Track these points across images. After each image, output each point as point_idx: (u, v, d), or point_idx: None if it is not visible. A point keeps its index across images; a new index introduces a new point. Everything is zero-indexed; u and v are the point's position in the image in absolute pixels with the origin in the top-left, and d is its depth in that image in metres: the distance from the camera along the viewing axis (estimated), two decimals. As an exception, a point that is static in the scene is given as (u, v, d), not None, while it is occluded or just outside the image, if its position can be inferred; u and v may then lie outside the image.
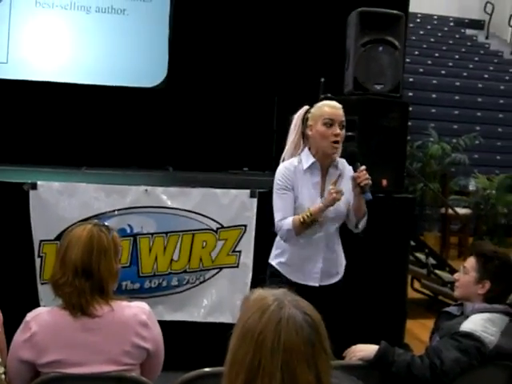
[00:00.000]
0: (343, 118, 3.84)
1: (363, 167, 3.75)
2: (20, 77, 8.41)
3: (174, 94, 8.43)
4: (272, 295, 1.71)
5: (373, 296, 5.57)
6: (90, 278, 2.81)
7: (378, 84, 5.70)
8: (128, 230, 5.04)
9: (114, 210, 5.03)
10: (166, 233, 5.12)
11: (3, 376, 2.83)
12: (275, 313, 1.65)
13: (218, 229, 5.22)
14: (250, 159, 8.28)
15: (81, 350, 2.78)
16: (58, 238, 4.74)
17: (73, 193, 5.01)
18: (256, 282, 5.08)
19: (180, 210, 5.18)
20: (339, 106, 3.89)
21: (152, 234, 5.07)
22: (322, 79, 6.41)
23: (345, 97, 5.61)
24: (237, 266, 5.30)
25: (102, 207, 5.02)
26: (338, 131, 3.80)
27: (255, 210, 5.27)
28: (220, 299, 5.31)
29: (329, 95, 4.24)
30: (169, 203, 5.18)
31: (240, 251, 5.29)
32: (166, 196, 5.18)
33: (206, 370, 2.78)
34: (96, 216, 4.95)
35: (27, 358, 2.80)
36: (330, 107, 3.84)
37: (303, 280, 3.94)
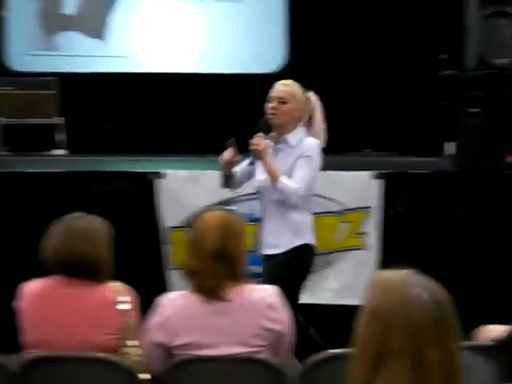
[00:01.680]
0: (281, 94, 4.12)
1: (259, 134, 4.07)
2: (141, 70, 8.64)
3: (295, 78, 8.42)
4: (398, 275, 1.70)
5: (497, 274, 5.41)
6: (227, 263, 2.87)
7: (502, 58, 5.52)
8: (252, 216, 5.10)
9: (238, 196, 5.10)
10: (291, 217, 5.14)
11: (139, 358, 2.94)
12: (402, 292, 1.64)
13: (342, 211, 5.21)
14: (371, 140, 8.21)
15: (211, 333, 2.85)
16: (186, 224, 4.85)
17: (198, 180, 5.12)
18: (383, 264, 5.05)
19: (304, 193, 5.19)
20: (283, 82, 4.23)
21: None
22: (443, 56, 6.27)
23: (468, 73, 5.46)
24: (362, 248, 5.27)
25: (228, 193, 5.09)
26: (271, 105, 4.11)
27: (380, 192, 5.22)
28: (346, 281, 5.30)
29: None
30: (292, 187, 5.20)
31: (365, 233, 5.26)
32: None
33: (335, 351, 2.79)
34: (222, 202, 5.04)
35: (161, 341, 2.89)
36: (274, 85, 4.20)
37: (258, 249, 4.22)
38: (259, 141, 4.06)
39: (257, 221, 5.01)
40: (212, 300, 2.86)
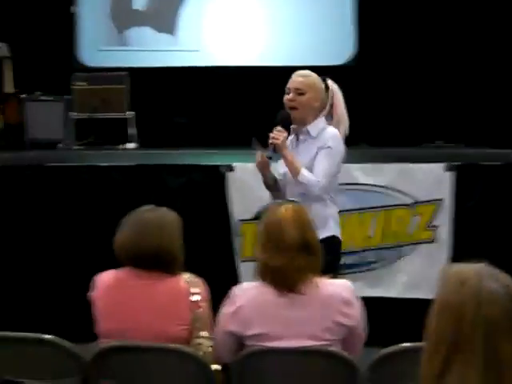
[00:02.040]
0: (299, 85, 4.02)
1: (278, 128, 3.95)
2: (211, 63, 8.69)
3: (365, 70, 8.38)
4: (470, 268, 1.67)
5: None
6: (308, 255, 2.89)
7: None
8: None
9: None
10: (361, 209, 5.12)
11: (210, 349, 2.98)
12: (474, 285, 1.61)
13: (413, 204, 5.16)
14: (443, 132, 8.10)
15: (284, 325, 2.86)
16: (256, 217, 4.87)
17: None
18: (454, 257, 4.98)
19: (374, 186, 5.17)
20: (300, 73, 4.10)
21: (347, 210, 5.08)
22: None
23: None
24: (434, 242, 5.21)
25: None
26: (289, 97, 4.03)
27: (452, 184, 5.15)
28: (417, 275, 5.25)
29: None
30: (362, 180, 5.17)
31: (437, 226, 5.20)
32: (360, 172, 5.18)
33: (406, 345, 2.77)
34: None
35: (234, 330, 2.93)
36: (291, 76, 4.09)
37: None
38: (278, 134, 3.96)
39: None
40: (286, 292, 2.87)
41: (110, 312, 3.05)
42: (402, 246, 5.20)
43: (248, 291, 2.95)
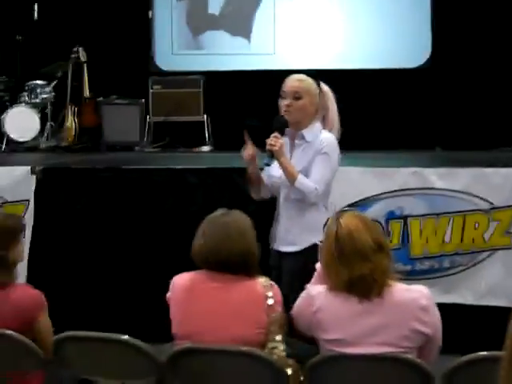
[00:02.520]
0: (296, 89, 3.97)
1: (274, 134, 3.91)
2: (285, 67, 8.69)
3: (439, 73, 8.27)
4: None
5: None
6: (383, 260, 2.87)
7: None
8: (397, 213, 5.04)
9: (381, 193, 5.05)
10: (437, 214, 5.05)
11: (284, 353, 2.97)
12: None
13: (490, 209, 5.06)
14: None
15: (361, 331, 2.84)
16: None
17: (340, 177, 5.09)
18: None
19: (449, 190, 5.09)
20: (297, 77, 4.06)
21: (422, 215, 5.02)
22: None
23: None
24: (512, 248, 5.10)
25: (370, 190, 5.06)
26: (286, 102, 3.98)
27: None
28: (494, 282, 5.14)
29: None
30: (437, 184, 5.10)
31: (515, 232, 5.09)
32: (435, 177, 5.11)
33: (483, 353, 2.72)
34: (364, 199, 5.01)
35: (309, 328, 2.96)
36: (286, 80, 4.05)
37: (272, 242, 4.10)
38: (275, 140, 3.92)
39: (402, 218, 4.95)
40: (364, 298, 2.85)
41: (185, 314, 3.08)
42: (478, 252, 5.11)
43: (324, 295, 2.95)
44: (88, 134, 8.13)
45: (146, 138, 8.24)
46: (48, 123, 8.10)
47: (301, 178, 3.89)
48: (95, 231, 5.28)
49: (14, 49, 8.38)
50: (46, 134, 8.06)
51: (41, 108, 8.09)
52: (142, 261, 5.15)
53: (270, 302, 3.00)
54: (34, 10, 8.19)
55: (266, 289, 3.03)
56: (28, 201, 5.29)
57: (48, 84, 8.24)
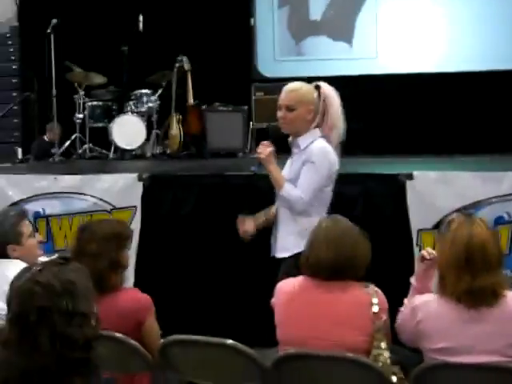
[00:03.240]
0: (287, 102, 3.97)
1: (263, 142, 4.03)
2: (387, 71, 8.60)
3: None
4: None
5: None
6: (499, 268, 2.85)
7: None
8: (505, 218, 4.90)
9: (490, 198, 4.92)
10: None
11: (389, 361, 2.94)
12: None
13: None
14: None
15: (468, 340, 2.79)
16: (436, 226, 4.77)
17: (449, 181, 5.00)
18: None
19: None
20: (289, 88, 4.06)
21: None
22: None
23: None
24: None
25: (478, 195, 4.93)
26: (280, 114, 4.00)
27: None
28: None
29: None
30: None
31: None
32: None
33: None
34: (472, 204, 4.89)
35: (412, 339, 2.95)
36: (282, 92, 4.06)
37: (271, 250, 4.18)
38: (263, 149, 4.02)
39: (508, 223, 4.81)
40: (472, 307, 2.79)
41: (289, 319, 3.09)
42: None
43: (428, 304, 2.90)
44: (192, 140, 8.25)
45: (249, 145, 8.30)
46: (154, 131, 8.28)
47: (287, 186, 3.94)
48: (200, 237, 5.34)
49: (120, 59, 8.60)
50: (151, 142, 8.24)
51: (147, 116, 8.27)
52: (248, 266, 5.17)
53: (375, 309, 2.98)
54: (139, 21, 8.38)
55: (371, 296, 3.01)
56: (135, 207, 5.40)
57: (153, 93, 8.42)
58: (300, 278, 3.14)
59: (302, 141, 4.01)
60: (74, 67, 8.46)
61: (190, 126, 8.25)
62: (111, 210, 5.48)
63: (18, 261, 3.67)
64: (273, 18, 9.15)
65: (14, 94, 11.29)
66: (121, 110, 8.37)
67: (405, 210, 4.96)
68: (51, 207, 5.63)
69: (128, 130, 7.98)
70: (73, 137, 8.40)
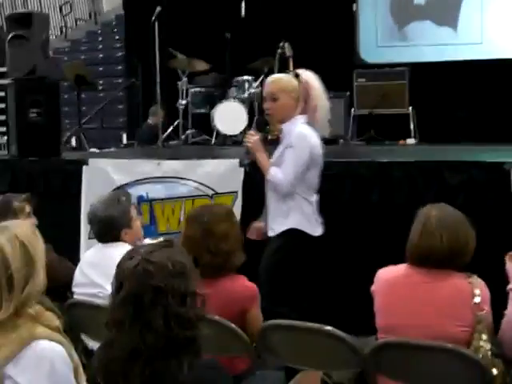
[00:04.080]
0: (270, 92, 4.28)
1: (249, 132, 4.44)
2: (494, 56, 8.37)
3: None
4: None
5: None
6: None
7: None
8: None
9: None
10: None
11: (489, 353, 2.88)
12: None
13: None
14: None
15: None
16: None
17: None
18: None
19: None
20: (271, 80, 4.41)
21: None
22: None
23: None
24: None
25: None
26: (265, 106, 4.35)
27: None
28: None
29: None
30: None
31: None
32: None
33: None
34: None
35: None
36: (265, 84, 4.40)
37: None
38: (249, 137, 4.38)
39: None
40: None
41: (389, 307, 3.07)
42: None
43: None
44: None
45: (350, 131, 8.26)
46: (255, 117, 8.34)
47: (272, 170, 4.25)
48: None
49: (222, 46, 8.69)
50: (253, 128, 8.28)
51: (248, 103, 8.33)
52: (348, 253, 5.15)
53: (477, 299, 2.93)
54: (241, 8, 8.43)
55: (473, 286, 2.96)
56: (236, 192, 5.46)
57: (255, 79, 8.47)
58: (402, 266, 3.11)
59: (286, 127, 4.30)
60: (177, 54, 8.59)
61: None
62: (212, 195, 5.56)
63: (122, 243, 3.79)
64: (375, 3, 9.05)
65: (119, 81, 11.63)
66: (223, 97, 8.46)
67: (509, 199, 4.84)
68: (154, 192, 5.75)
69: (230, 116, 8.06)
70: (176, 123, 8.56)
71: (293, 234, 4.27)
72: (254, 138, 4.37)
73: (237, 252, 3.46)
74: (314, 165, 4.27)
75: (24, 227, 2.42)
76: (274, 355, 3.29)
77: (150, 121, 9.18)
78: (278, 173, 4.22)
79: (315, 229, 4.34)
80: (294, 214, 4.28)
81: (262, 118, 4.48)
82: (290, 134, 4.25)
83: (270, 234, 4.38)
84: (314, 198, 4.38)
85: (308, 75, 4.33)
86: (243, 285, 3.44)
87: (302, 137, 4.21)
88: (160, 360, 2.03)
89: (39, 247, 2.36)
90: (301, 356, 3.24)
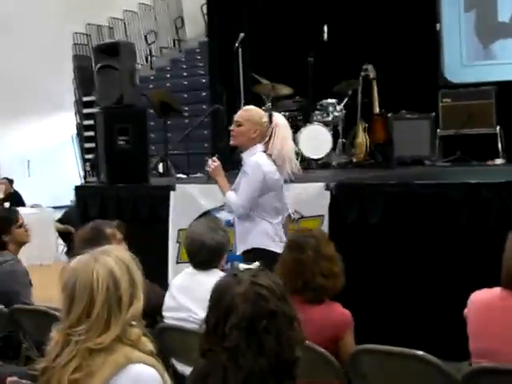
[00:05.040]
0: (237, 118, 4.73)
1: (212, 158, 4.85)
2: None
3: None
4: None
5: None
6: None
7: None
8: None
9: None
10: None
11: None
12: None
13: None
14: None
15: None
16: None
17: None
18: None
19: None
20: (244, 108, 4.98)
21: None
22: None
23: None
24: None
25: None
26: (231, 128, 4.77)
27: None
28: None
29: None
30: None
31: None
32: None
33: None
34: None
35: None
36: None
37: None
38: (210, 163, 4.79)
39: None
40: None
41: (483, 330, 3.02)
42: None
43: None
44: (379, 149, 8.21)
45: (436, 152, 8.15)
46: (340, 140, 8.32)
47: (228, 194, 4.69)
48: (388, 246, 5.31)
49: (305, 70, 8.71)
50: (337, 151, 8.28)
51: (332, 126, 8.32)
52: (436, 276, 5.08)
53: None
54: (323, 32, 8.46)
55: None
56: (323, 216, 5.46)
57: (339, 102, 8.46)
58: (497, 289, 3.04)
59: (245, 155, 4.72)
60: (261, 79, 8.66)
61: (376, 134, 8.21)
62: (299, 218, 5.56)
63: (216, 270, 3.83)
64: (459, 23, 8.94)
65: (204, 107, 11.79)
66: (307, 120, 8.47)
67: None
68: (241, 216, 5.79)
69: (314, 140, 8.05)
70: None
71: (255, 253, 4.56)
72: (214, 164, 4.77)
73: (342, 274, 3.48)
74: (270, 190, 4.64)
75: (122, 251, 2.48)
76: (364, 381, 3.25)
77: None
78: (233, 197, 4.65)
79: (278, 247, 4.46)
80: (254, 234, 4.67)
81: (222, 144, 5.26)
82: (247, 161, 4.67)
83: (237, 253, 4.78)
84: (276, 219, 4.73)
85: (280, 120, 4.76)
86: (338, 312, 3.43)
87: (257, 165, 4.59)
88: (272, 383, 2.04)
89: (138, 271, 2.41)
90: (391, 381, 3.19)
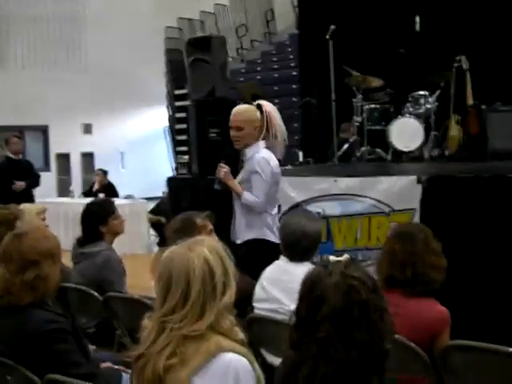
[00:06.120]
0: (236, 123, 4.90)
1: (220, 164, 4.99)
2: None
3: None
4: None
5: None
6: None
7: None
8: None
9: None
10: None
11: None
12: None
13: None
14: None
15: None
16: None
17: None
18: None
19: None
20: (237, 111, 4.95)
21: None
22: None
23: None
24: None
25: None
26: (232, 134, 4.95)
27: None
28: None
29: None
30: None
31: None
32: None
33: None
34: None
35: None
36: (231, 115, 4.96)
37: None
38: (219, 169, 4.97)
39: None
40: None
41: None
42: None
43: None
44: (472, 142, 8.05)
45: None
46: (432, 133, 8.20)
47: (245, 195, 4.90)
48: (481, 240, 5.22)
49: (396, 61, 8.61)
50: (429, 144, 8.16)
51: (424, 118, 8.20)
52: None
53: None
54: (415, 22, 8.34)
55: None
56: (414, 209, 5.40)
57: (431, 94, 8.33)
58: None
59: (248, 150, 4.93)
60: (351, 71, 8.61)
61: (470, 126, 8.04)
62: (389, 212, 5.52)
63: (307, 262, 3.85)
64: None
65: (295, 100, 11.79)
66: (398, 113, 8.38)
67: None
68: (330, 208, 5.80)
69: (406, 132, 7.96)
70: (351, 139, 8.58)
71: (256, 243, 4.89)
72: (224, 170, 4.97)
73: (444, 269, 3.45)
74: (275, 183, 4.96)
75: (214, 241, 2.53)
76: (455, 377, 3.21)
77: (342, 135, 9.17)
78: (250, 196, 4.88)
79: (276, 237, 4.72)
80: (257, 225, 4.92)
81: (227, 149, 5.18)
82: (252, 159, 4.88)
83: (238, 241, 4.98)
84: (275, 210, 5.05)
85: (269, 106, 4.93)
86: (437, 309, 3.38)
87: (265, 162, 4.84)
88: (361, 375, 2.04)
89: (230, 260, 2.45)
90: (483, 378, 3.14)
